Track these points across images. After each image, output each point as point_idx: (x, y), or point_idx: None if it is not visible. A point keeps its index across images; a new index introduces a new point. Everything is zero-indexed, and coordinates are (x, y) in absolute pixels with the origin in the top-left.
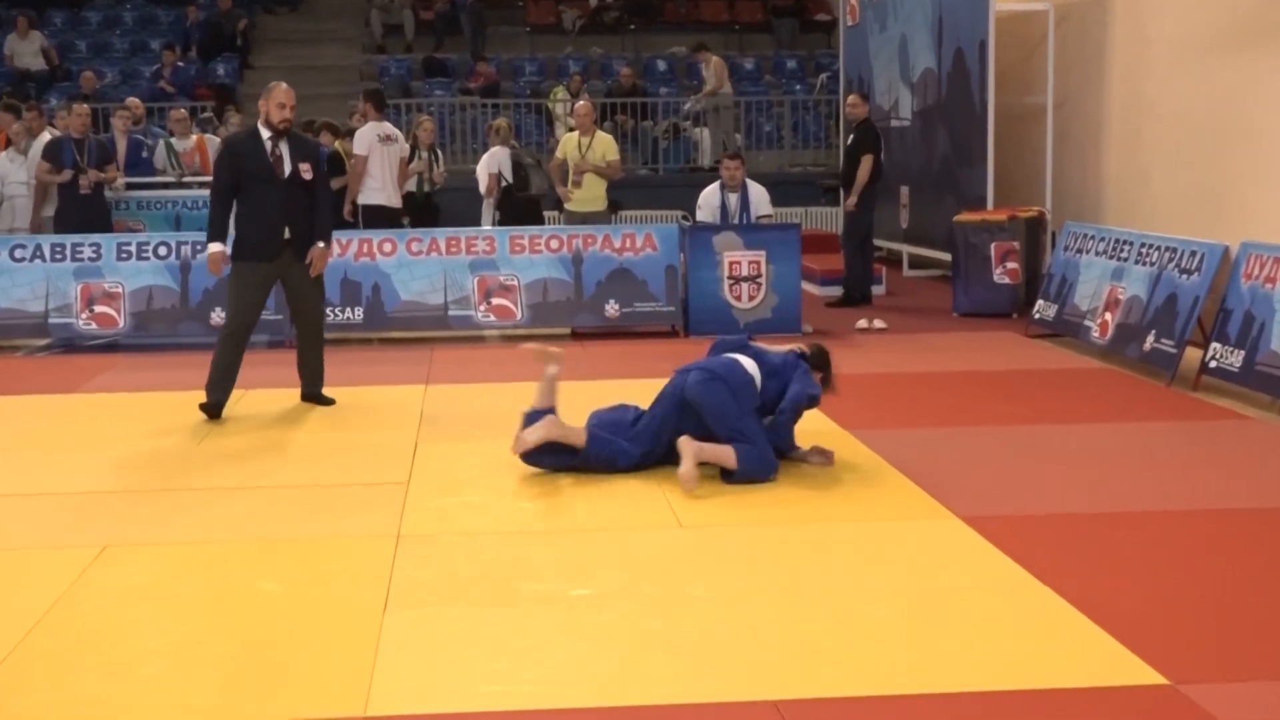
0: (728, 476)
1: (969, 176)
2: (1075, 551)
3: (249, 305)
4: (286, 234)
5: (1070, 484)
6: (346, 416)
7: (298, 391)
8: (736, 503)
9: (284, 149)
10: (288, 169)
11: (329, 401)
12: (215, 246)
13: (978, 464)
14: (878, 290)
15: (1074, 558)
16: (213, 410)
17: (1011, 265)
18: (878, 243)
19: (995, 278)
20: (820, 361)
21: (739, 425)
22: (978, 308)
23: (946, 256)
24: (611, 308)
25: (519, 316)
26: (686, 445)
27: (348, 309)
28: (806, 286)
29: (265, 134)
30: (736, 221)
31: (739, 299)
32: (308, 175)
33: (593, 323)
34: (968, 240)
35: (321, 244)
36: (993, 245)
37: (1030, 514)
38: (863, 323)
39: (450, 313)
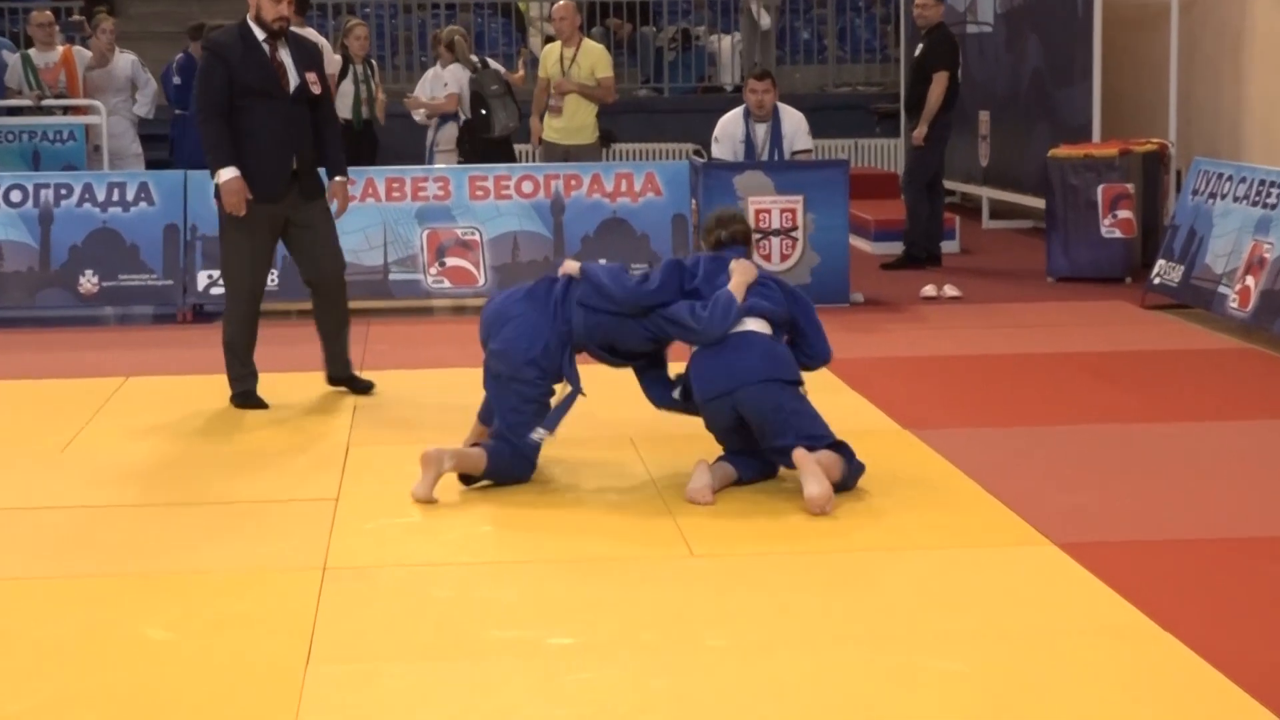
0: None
1: (1068, 99)
2: (1205, 589)
3: (258, 262)
4: (294, 165)
5: (1200, 501)
6: (258, 413)
7: (201, 380)
8: (765, 525)
9: (285, 55)
10: (294, 80)
11: (366, 386)
12: (229, 172)
13: (1078, 474)
14: (949, 247)
15: (1203, 596)
16: (251, 400)
17: (1124, 215)
18: (949, 185)
19: (1103, 231)
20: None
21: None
22: (1079, 270)
23: (1039, 203)
24: None
25: (481, 282)
26: (804, 459)
27: None
28: (856, 242)
29: (259, 34)
30: (765, 158)
31: (768, 258)
32: (316, 89)
33: None
34: (1067, 182)
35: (340, 178)
36: (1099, 189)
37: (1147, 539)
38: (930, 289)
39: (392, 277)
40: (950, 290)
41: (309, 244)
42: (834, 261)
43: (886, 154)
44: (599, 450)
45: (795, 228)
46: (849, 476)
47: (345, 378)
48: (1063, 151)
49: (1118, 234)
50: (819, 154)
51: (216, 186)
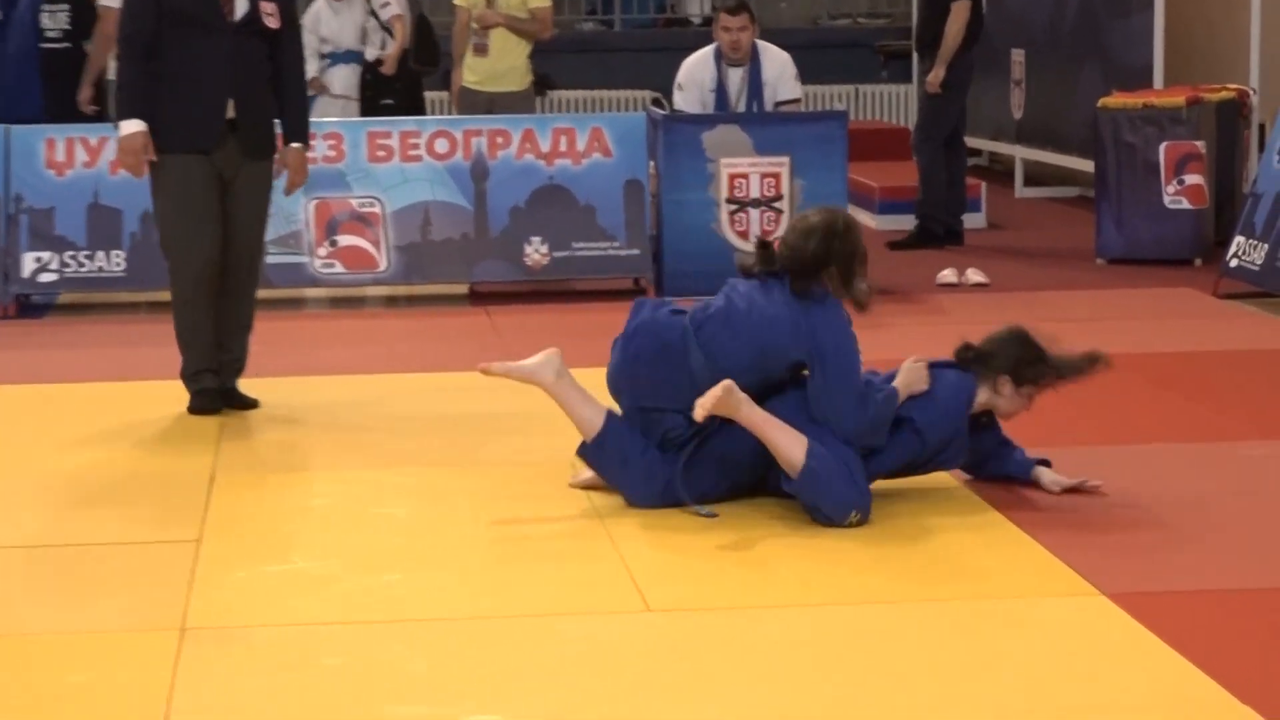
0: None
1: (1124, 34)
2: None
3: (200, 226)
4: (231, 112)
5: None
6: (105, 428)
7: (27, 391)
8: (745, 572)
9: None
10: (241, 8)
11: (250, 404)
12: (132, 125)
13: (1135, 507)
14: (973, 220)
15: None
16: (210, 403)
17: (1193, 180)
18: (974, 144)
19: (1166, 200)
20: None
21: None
22: (1137, 249)
23: (1087, 166)
24: (536, 251)
25: (383, 266)
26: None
27: (100, 253)
28: (856, 215)
29: None
30: (742, 110)
31: (746, 236)
32: (272, 22)
33: (504, 275)
34: (1121, 139)
35: (298, 144)
36: (1162, 147)
37: (1216, 588)
38: (949, 274)
39: (270, 259)
40: (975, 276)
41: (235, 213)
42: None
43: (895, 104)
44: (535, 484)
45: (779, 197)
46: (827, 496)
47: (228, 390)
48: (1116, 100)
49: (1185, 204)
50: (810, 104)
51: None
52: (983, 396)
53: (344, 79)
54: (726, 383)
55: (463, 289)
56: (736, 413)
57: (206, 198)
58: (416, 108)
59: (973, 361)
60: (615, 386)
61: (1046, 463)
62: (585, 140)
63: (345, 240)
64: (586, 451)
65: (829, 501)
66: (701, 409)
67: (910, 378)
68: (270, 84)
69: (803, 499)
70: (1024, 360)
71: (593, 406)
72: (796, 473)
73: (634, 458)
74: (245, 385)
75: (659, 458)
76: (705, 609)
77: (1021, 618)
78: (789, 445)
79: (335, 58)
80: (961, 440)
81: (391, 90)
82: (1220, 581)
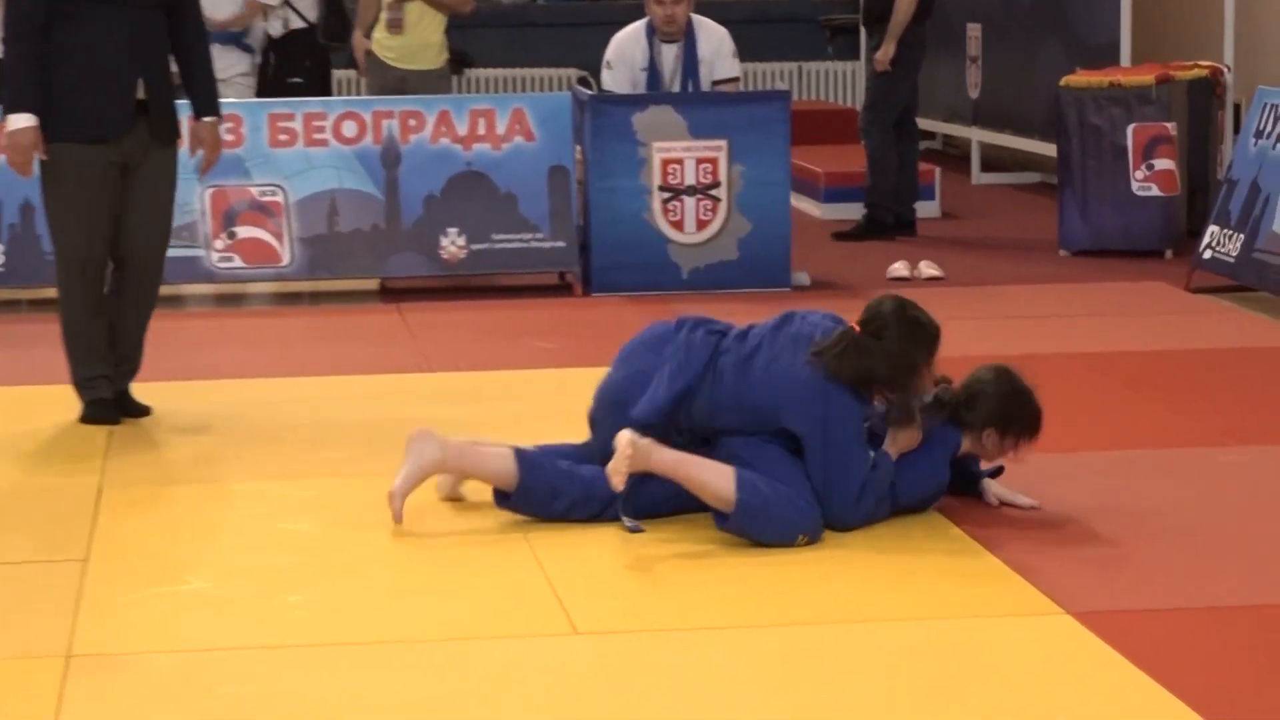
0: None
1: (1087, 7)
2: (1266, 670)
3: (94, 224)
4: (140, 92)
5: (1265, 552)
6: None
7: None
8: (675, 591)
9: None
10: None
11: (143, 411)
12: (21, 120)
13: (1103, 517)
14: (926, 209)
15: (1265, 683)
16: (105, 412)
17: (1163, 165)
18: (927, 126)
19: (1134, 187)
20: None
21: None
22: (1103, 240)
23: (1049, 150)
24: (452, 244)
25: (285, 260)
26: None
27: None
28: (800, 204)
29: None
30: (676, 90)
31: (680, 226)
32: None
33: (418, 270)
34: (1086, 121)
35: (210, 118)
36: (1130, 130)
37: (1187, 606)
38: (900, 268)
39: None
40: (928, 269)
41: (138, 206)
42: (770, 230)
43: (841, 83)
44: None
45: (717, 184)
46: (767, 527)
47: (120, 394)
48: (1081, 79)
49: (1155, 191)
50: (749, 83)
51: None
52: (966, 445)
53: (228, 64)
54: (626, 436)
55: (373, 285)
56: (648, 464)
57: (104, 191)
58: (325, 88)
59: (956, 407)
60: (616, 397)
61: (1000, 470)
62: (506, 123)
63: (244, 232)
64: (513, 503)
65: (770, 533)
66: (617, 475)
67: (905, 442)
68: (168, 62)
69: (743, 536)
70: (1011, 411)
71: (496, 455)
72: (729, 508)
73: (564, 486)
74: (137, 390)
75: (587, 474)
76: (637, 630)
77: (983, 639)
78: (715, 481)
79: (225, 35)
80: (939, 494)
81: (300, 68)
82: (1191, 599)
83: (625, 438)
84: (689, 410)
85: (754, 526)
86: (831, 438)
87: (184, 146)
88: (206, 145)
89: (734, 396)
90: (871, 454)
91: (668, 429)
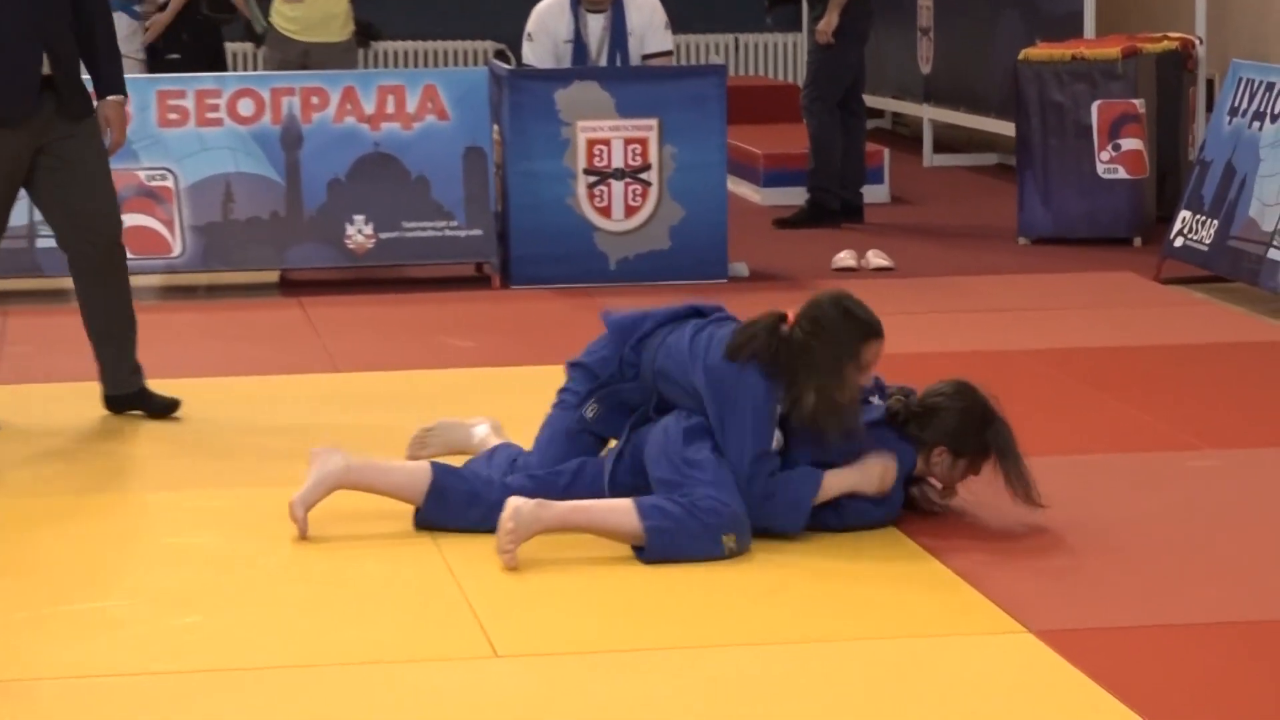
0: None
1: None
2: (1232, 688)
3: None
4: (47, 68)
5: (1236, 566)
6: None
7: None
8: (602, 610)
9: None
10: None
11: (166, 406)
12: None
13: (1067, 529)
14: (875, 194)
15: (1232, 702)
16: None
17: (1130, 145)
18: (874, 104)
19: (1100, 169)
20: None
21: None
22: (1066, 227)
23: (1007, 129)
24: (359, 232)
25: (176, 250)
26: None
27: None
28: (738, 188)
29: None
30: (603, 64)
31: (607, 213)
32: None
33: (322, 261)
34: (1047, 98)
35: (116, 96)
36: (1094, 107)
37: (1153, 624)
38: (846, 257)
39: (40, 244)
40: (876, 259)
41: (68, 188)
42: (705, 216)
43: (781, 57)
44: (359, 506)
45: (647, 167)
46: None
47: (136, 393)
48: (1041, 52)
49: (1121, 173)
50: (683, 57)
51: None
52: (919, 466)
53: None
54: (513, 506)
55: (272, 277)
56: (539, 526)
57: (7, 186)
58: (215, 62)
59: (910, 419)
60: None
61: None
62: (417, 100)
63: (131, 220)
64: (428, 515)
65: (693, 549)
66: (505, 554)
67: (866, 477)
68: (72, 36)
69: (669, 562)
70: (966, 430)
71: (403, 466)
72: (641, 540)
73: (482, 490)
74: (21, 396)
75: (506, 481)
76: (562, 653)
77: (940, 658)
78: (616, 519)
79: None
80: (892, 515)
81: (175, 43)
82: (1157, 616)
83: (507, 510)
84: (641, 353)
85: (674, 548)
86: (728, 405)
87: None
88: (114, 126)
89: (675, 360)
90: (778, 442)
91: (619, 360)
